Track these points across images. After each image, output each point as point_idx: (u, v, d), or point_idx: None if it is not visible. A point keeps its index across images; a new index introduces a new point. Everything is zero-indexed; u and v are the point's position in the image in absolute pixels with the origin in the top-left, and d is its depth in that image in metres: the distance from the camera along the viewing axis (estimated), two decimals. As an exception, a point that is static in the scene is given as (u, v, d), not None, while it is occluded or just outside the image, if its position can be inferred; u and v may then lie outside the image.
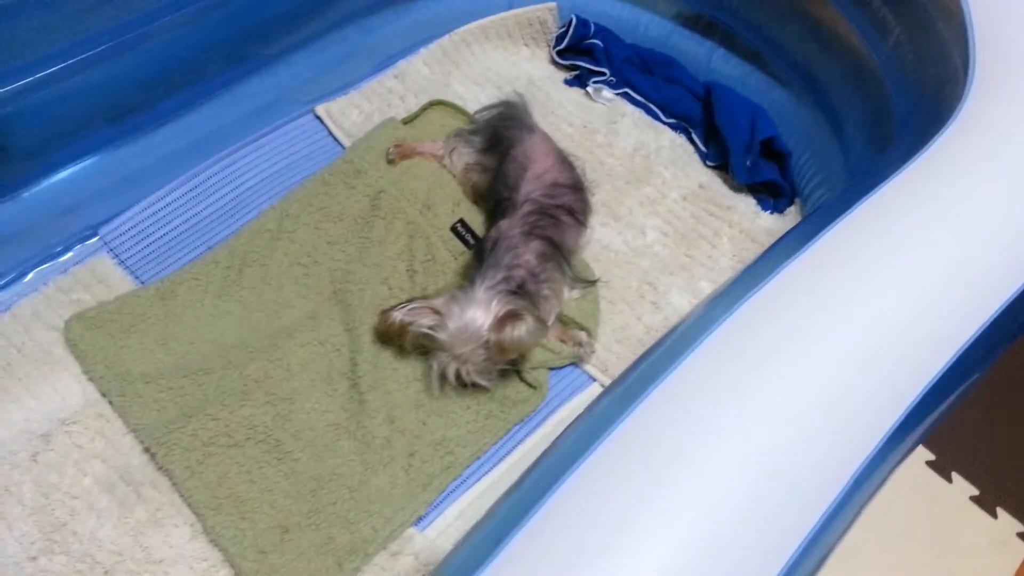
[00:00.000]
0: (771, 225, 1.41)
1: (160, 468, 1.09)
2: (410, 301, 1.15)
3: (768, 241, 1.38)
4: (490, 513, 0.78)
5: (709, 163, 1.51)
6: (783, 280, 0.82)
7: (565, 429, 0.85)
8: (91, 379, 1.16)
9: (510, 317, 1.09)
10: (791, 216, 1.43)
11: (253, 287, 1.28)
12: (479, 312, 1.11)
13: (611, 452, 0.69)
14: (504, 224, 1.23)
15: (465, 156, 1.40)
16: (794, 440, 0.70)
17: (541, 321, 1.11)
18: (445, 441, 1.15)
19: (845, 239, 0.85)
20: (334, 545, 1.06)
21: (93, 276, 1.26)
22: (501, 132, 1.37)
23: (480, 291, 1.14)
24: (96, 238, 1.31)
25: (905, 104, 1.19)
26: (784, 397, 0.72)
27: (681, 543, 0.64)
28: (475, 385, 1.17)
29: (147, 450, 1.11)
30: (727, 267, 1.36)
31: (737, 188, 1.46)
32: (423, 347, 1.18)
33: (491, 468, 1.16)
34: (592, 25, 1.61)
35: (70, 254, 1.29)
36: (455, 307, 1.13)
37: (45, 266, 1.27)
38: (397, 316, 1.14)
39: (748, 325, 0.78)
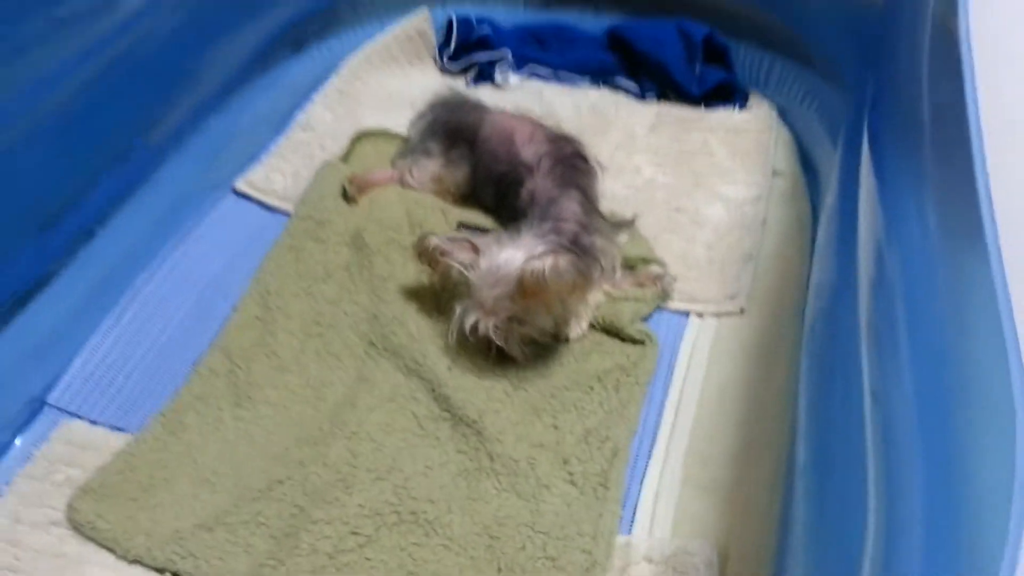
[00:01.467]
0: (749, 117, 1.36)
1: (291, 611, 0.81)
2: (458, 230, 1.01)
3: (758, 128, 1.34)
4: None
5: (648, 97, 1.45)
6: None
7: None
8: (135, 560, 0.85)
9: (539, 256, 0.92)
10: (757, 106, 1.40)
11: (272, 382, 1.02)
12: (518, 255, 0.95)
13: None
14: (531, 183, 1.09)
15: (429, 166, 1.23)
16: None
17: (578, 268, 0.94)
18: (590, 433, 0.96)
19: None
20: (553, 592, 0.82)
21: (72, 446, 0.94)
22: (455, 125, 1.23)
23: (526, 236, 0.99)
24: (47, 408, 0.99)
25: None
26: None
27: None
28: (500, 353, 0.99)
29: (263, 599, 0.81)
30: (737, 166, 1.29)
31: (693, 103, 1.41)
32: (452, 289, 1.01)
33: (655, 437, 0.97)
34: (473, 18, 1.53)
35: (20, 440, 0.96)
36: (494, 247, 0.97)
37: (-8, 468, 0.94)
38: (434, 241, 0.98)
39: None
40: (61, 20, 1.00)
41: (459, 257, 0.98)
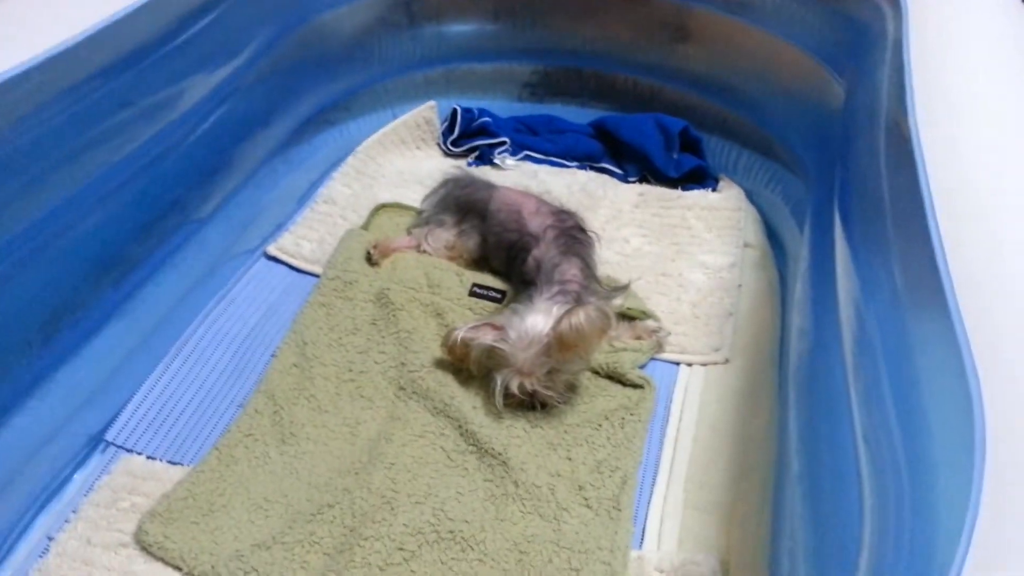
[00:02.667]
0: (721, 197, 1.55)
1: (348, 617, 0.90)
2: (463, 325, 1.12)
3: (730, 206, 1.52)
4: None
5: (631, 180, 1.63)
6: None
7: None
8: (199, 576, 0.94)
9: (568, 313, 1.06)
10: (728, 188, 1.58)
11: (312, 421, 1.13)
12: (539, 318, 1.09)
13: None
14: (538, 251, 1.24)
15: (443, 235, 1.38)
16: None
17: (602, 312, 1.08)
18: (602, 464, 1.08)
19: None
20: (579, 598, 0.93)
21: (133, 476, 1.03)
22: (467, 199, 1.39)
23: (539, 302, 1.13)
24: (105, 446, 1.09)
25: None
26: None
27: None
28: (544, 405, 1.12)
29: (321, 607, 0.91)
30: (713, 238, 1.46)
31: (671, 185, 1.60)
32: (487, 367, 1.12)
33: (657, 467, 1.10)
34: (474, 109, 1.71)
35: (81, 474, 1.06)
36: (515, 318, 1.10)
37: (56, 502, 1.03)
38: (459, 335, 1.11)
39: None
40: (134, 116, 1.13)
41: (486, 338, 1.10)
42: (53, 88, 0.98)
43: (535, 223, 1.29)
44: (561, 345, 1.07)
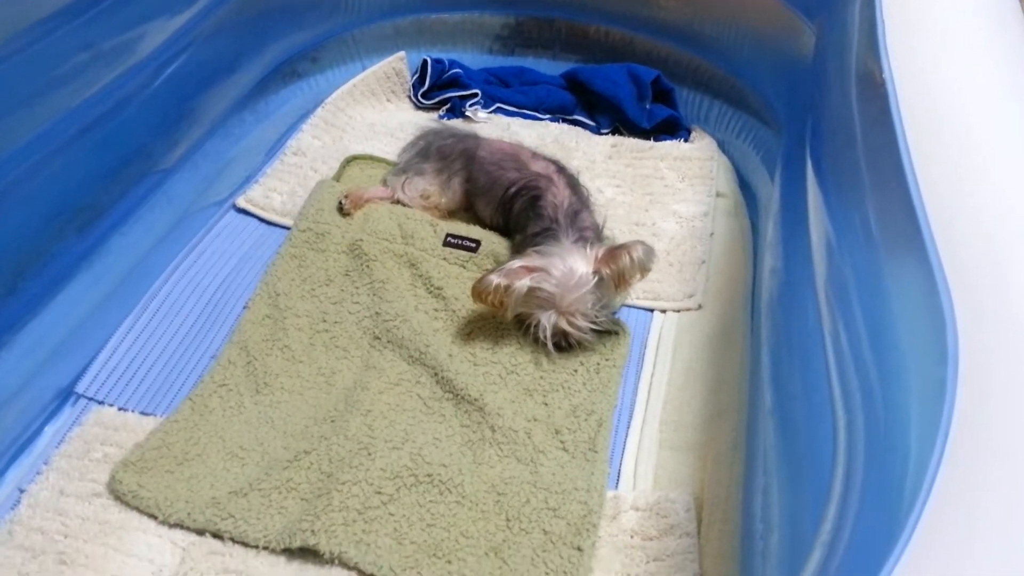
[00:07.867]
0: (694, 147, 1.54)
1: (329, 558, 0.90)
2: (494, 270, 1.10)
3: (702, 156, 1.52)
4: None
5: (604, 131, 1.63)
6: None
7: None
8: (175, 524, 0.93)
9: (616, 250, 1.09)
10: (700, 138, 1.58)
11: (287, 371, 1.12)
12: (579, 261, 1.10)
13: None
14: (555, 191, 1.25)
15: (421, 184, 1.36)
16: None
17: (650, 248, 1.11)
18: (577, 408, 1.09)
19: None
20: (556, 536, 0.94)
21: (105, 428, 1.02)
22: (450, 148, 1.37)
23: (568, 244, 1.13)
24: (75, 398, 1.07)
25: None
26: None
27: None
28: (571, 345, 1.14)
29: (299, 550, 0.91)
30: (685, 187, 1.46)
31: (643, 136, 1.59)
32: (521, 314, 1.12)
33: (632, 410, 1.11)
34: (445, 61, 1.68)
35: (52, 427, 1.04)
36: (554, 259, 1.10)
37: (26, 455, 1.01)
38: (494, 279, 1.08)
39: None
40: (93, 59, 1.10)
41: (525, 281, 1.08)
42: (8, 27, 0.95)
43: (538, 166, 1.30)
44: (620, 280, 1.11)
